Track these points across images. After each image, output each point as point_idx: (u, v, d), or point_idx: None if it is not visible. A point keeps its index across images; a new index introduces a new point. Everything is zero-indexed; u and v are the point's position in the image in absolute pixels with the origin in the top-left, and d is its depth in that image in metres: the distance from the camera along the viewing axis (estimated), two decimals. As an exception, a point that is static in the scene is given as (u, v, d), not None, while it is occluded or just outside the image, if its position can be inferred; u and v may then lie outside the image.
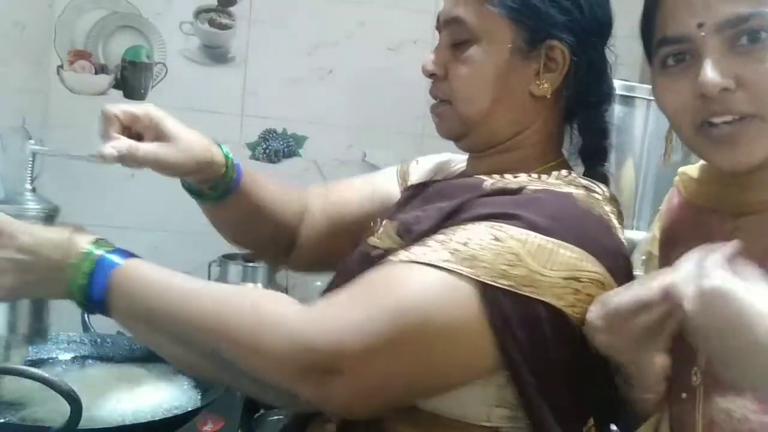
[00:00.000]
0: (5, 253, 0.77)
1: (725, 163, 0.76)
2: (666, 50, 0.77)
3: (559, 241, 0.75)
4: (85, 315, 1.22)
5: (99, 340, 1.12)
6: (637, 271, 0.89)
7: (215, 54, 1.85)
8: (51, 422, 0.79)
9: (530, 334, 0.73)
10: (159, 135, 0.89)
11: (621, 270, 0.80)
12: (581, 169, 0.92)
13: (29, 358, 1.04)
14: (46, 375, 0.77)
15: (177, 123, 0.91)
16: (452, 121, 0.90)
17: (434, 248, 0.75)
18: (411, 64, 1.87)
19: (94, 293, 0.76)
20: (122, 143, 0.86)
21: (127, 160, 0.86)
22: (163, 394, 0.96)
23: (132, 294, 0.76)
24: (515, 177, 0.85)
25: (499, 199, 0.80)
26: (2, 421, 0.84)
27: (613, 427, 0.89)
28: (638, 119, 1.50)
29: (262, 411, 1.36)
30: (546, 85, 0.86)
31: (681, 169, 0.94)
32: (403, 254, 0.76)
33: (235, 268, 1.70)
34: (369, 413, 0.76)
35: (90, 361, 1.06)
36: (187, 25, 1.84)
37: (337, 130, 1.88)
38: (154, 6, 1.82)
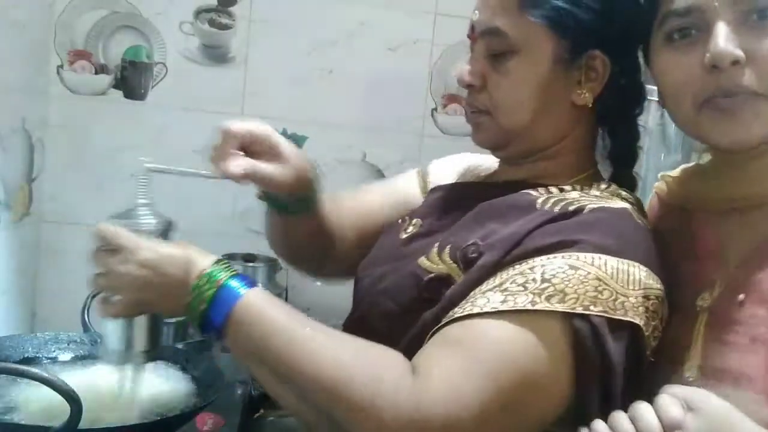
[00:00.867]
0: (127, 268, 0.76)
1: (724, 139, 0.75)
2: (672, 24, 0.76)
3: (630, 261, 0.74)
4: (85, 315, 1.22)
5: (99, 340, 1.12)
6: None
7: (215, 54, 1.85)
8: (51, 422, 0.79)
9: (616, 357, 0.73)
10: (273, 153, 0.90)
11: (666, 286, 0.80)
12: (609, 171, 0.92)
13: (26, 356, 1.04)
14: (46, 375, 0.76)
15: (287, 142, 0.92)
16: (492, 131, 0.89)
17: (513, 292, 0.73)
18: (411, 64, 1.89)
19: (214, 321, 0.75)
20: (246, 162, 0.86)
21: (248, 178, 0.86)
22: (163, 394, 0.96)
23: (249, 332, 0.75)
24: (561, 190, 0.84)
25: (563, 224, 0.78)
26: (2, 421, 0.84)
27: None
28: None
29: (262, 411, 1.36)
30: (587, 95, 0.85)
31: (661, 174, 0.94)
32: (484, 304, 0.73)
33: (235, 268, 1.70)
34: None
35: (90, 361, 1.06)
36: (187, 25, 1.84)
37: (337, 130, 1.88)
38: (154, 6, 1.82)
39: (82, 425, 0.77)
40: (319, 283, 1.26)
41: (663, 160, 1.46)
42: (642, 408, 0.63)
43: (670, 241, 0.83)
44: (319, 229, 1.04)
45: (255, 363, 0.77)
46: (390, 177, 1.90)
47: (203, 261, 0.77)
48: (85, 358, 1.08)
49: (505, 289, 0.73)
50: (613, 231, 0.77)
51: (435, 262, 0.84)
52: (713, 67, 0.72)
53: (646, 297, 0.74)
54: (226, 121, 0.87)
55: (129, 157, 1.69)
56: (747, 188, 0.78)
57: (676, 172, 0.92)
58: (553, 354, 0.71)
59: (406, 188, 1.08)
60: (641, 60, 0.88)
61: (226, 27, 1.85)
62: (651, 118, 1.47)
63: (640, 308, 0.73)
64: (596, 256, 0.73)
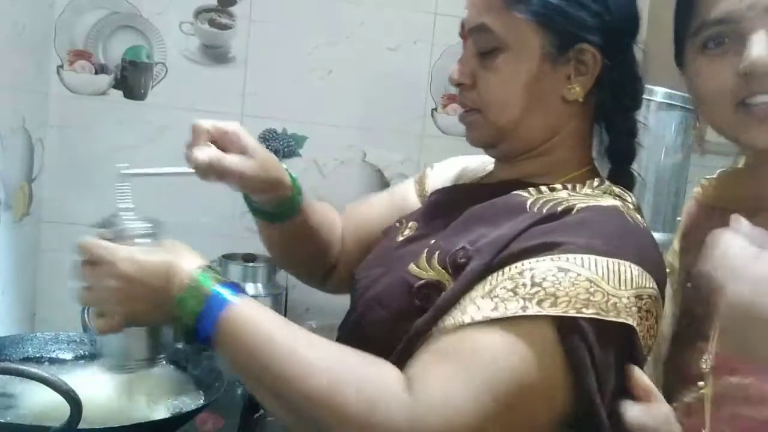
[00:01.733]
0: (108, 282, 0.75)
1: (760, 140, 0.78)
2: (706, 33, 0.79)
3: (620, 260, 0.73)
4: (85, 315, 1.22)
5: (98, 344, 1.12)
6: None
7: (215, 54, 1.85)
8: (51, 422, 0.79)
9: (608, 358, 0.73)
10: (241, 150, 0.91)
11: (663, 284, 0.80)
12: (607, 168, 0.92)
13: (26, 356, 1.04)
14: (46, 375, 0.76)
15: (256, 142, 0.94)
16: (484, 129, 0.88)
17: (504, 298, 0.72)
18: (411, 64, 1.89)
19: (200, 335, 0.75)
20: (212, 151, 0.88)
21: (214, 167, 0.88)
22: (163, 394, 0.96)
23: (236, 346, 0.74)
24: (552, 190, 0.84)
25: (549, 226, 0.77)
26: (2, 421, 0.84)
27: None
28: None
29: (262, 411, 1.36)
30: (578, 89, 0.85)
31: (701, 180, 0.96)
32: (475, 312, 0.72)
33: (235, 269, 1.70)
34: None
35: (90, 361, 1.06)
36: (187, 25, 1.84)
37: (337, 130, 1.88)
38: (154, 6, 1.82)
39: (81, 425, 0.77)
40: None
41: (663, 160, 1.46)
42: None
43: (704, 242, 0.84)
44: (308, 231, 1.04)
45: (248, 378, 0.76)
46: (390, 177, 1.91)
47: (185, 268, 0.76)
48: (85, 358, 1.08)
49: (496, 296, 0.73)
50: (601, 230, 0.76)
51: (424, 268, 0.83)
52: (747, 74, 0.75)
53: (639, 297, 0.74)
54: (198, 120, 0.91)
55: (129, 157, 1.69)
56: None
57: (713, 177, 0.93)
58: (547, 359, 0.71)
59: (404, 195, 1.09)
60: (637, 56, 0.89)
61: (226, 27, 1.85)
62: (651, 117, 1.47)
63: (633, 308, 0.73)
64: (585, 256, 0.73)
